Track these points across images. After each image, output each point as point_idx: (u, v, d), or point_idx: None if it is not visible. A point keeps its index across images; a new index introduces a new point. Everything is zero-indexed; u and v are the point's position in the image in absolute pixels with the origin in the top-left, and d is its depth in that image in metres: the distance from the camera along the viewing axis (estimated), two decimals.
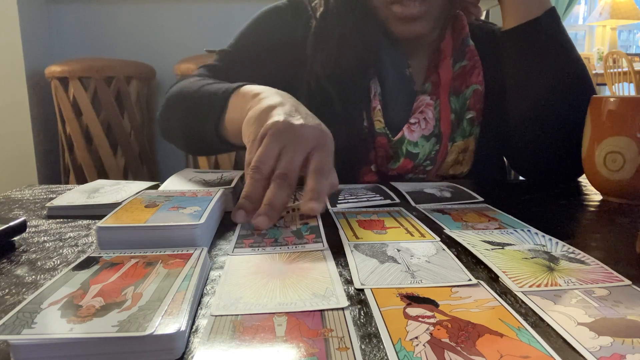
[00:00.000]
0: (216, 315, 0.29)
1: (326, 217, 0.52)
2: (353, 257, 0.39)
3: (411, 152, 0.76)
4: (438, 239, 0.44)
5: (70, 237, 0.46)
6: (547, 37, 0.70)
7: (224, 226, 0.49)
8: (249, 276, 0.36)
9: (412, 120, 0.76)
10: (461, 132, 0.78)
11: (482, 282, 0.35)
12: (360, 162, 0.76)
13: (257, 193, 0.47)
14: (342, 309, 0.30)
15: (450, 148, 0.78)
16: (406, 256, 0.40)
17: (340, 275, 0.36)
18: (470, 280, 0.35)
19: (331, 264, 0.38)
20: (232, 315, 0.29)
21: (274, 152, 0.48)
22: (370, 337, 0.28)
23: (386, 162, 0.77)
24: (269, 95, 0.57)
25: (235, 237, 0.44)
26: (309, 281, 0.34)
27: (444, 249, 0.41)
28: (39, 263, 0.40)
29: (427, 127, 0.77)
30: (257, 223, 0.45)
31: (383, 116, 0.76)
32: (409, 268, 0.37)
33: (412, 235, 0.45)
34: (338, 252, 0.41)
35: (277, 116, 0.51)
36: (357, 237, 0.44)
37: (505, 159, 0.87)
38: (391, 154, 0.76)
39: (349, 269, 0.37)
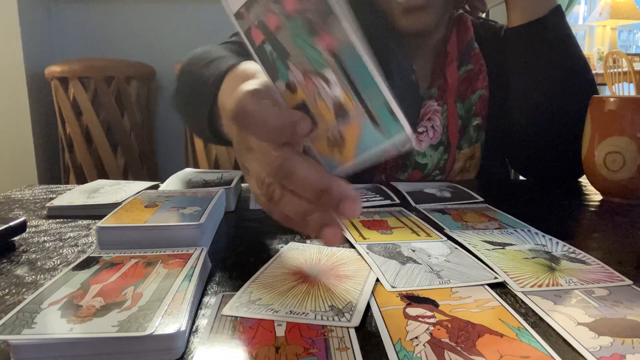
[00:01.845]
0: (223, 315, 0.29)
1: None
2: (372, 259, 0.39)
3: (419, 162, 0.75)
4: (445, 238, 0.44)
5: (70, 237, 0.46)
6: (552, 36, 0.70)
7: (224, 226, 0.49)
8: (284, 275, 0.35)
9: (419, 129, 0.76)
10: (467, 139, 0.78)
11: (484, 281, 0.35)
12: (372, 167, 0.76)
13: None
14: (347, 327, 0.29)
15: (457, 156, 0.77)
16: (424, 256, 0.40)
17: None
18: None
19: (372, 277, 0.36)
20: (237, 317, 0.29)
21: None
22: (370, 337, 0.28)
23: (395, 173, 0.76)
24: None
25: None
26: (338, 292, 0.33)
27: (456, 248, 0.41)
28: (39, 263, 0.40)
29: (434, 135, 0.76)
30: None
31: None
32: (432, 269, 0.37)
33: (418, 235, 0.45)
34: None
35: None
36: (363, 238, 0.44)
37: (506, 159, 0.87)
38: (400, 165, 0.76)
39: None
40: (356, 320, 0.29)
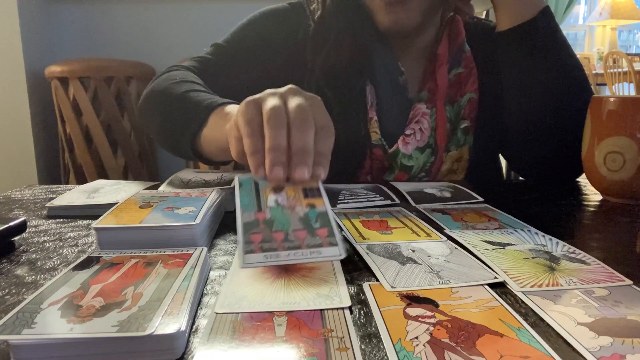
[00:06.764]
0: (218, 313, 0.29)
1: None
2: (372, 260, 0.39)
3: (405, 164, 0.75)
4: (445, 238, 0.44)
5: (70, 237, 0.46)
6: (542, 38, 0.69)
7: (224, 226, 0.49)
8: (255, 275, 0.36)
9: (407, 132, 0.75)
10: (455, 141, 0.77)
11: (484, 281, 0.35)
12: (356, 168, 0.76)
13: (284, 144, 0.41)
14: (342, 308, 0.30)
15: (445, 158, 0.77)
16: (423, 256, 0.39)
17: (349, 274, 0.36)
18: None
19: (337, 264, 0.37)
20: (234, 313, 0.29)
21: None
22: (370, 337, 0.28)
23: (381, 174, 0.76)
24: None
25: (241, 233, 0.36)
26: (314, 281, 0.34)
27: (456, 248, 0.41)
28: (39, 263, 0.40)
29: (422, 138, 0.76)
30: (297, 176, 0.40)
31: (379, 127, 0.75)
32: (431, 269, 0.37)
33: (417, 235, 0.45)
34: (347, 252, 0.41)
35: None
36: (363, 238, 0.44)
37: (503, 160, 0.87)
38: (387, 166, 0.76)
39: (358, 271, 0.37)
40: (346, 301, 0.31)
